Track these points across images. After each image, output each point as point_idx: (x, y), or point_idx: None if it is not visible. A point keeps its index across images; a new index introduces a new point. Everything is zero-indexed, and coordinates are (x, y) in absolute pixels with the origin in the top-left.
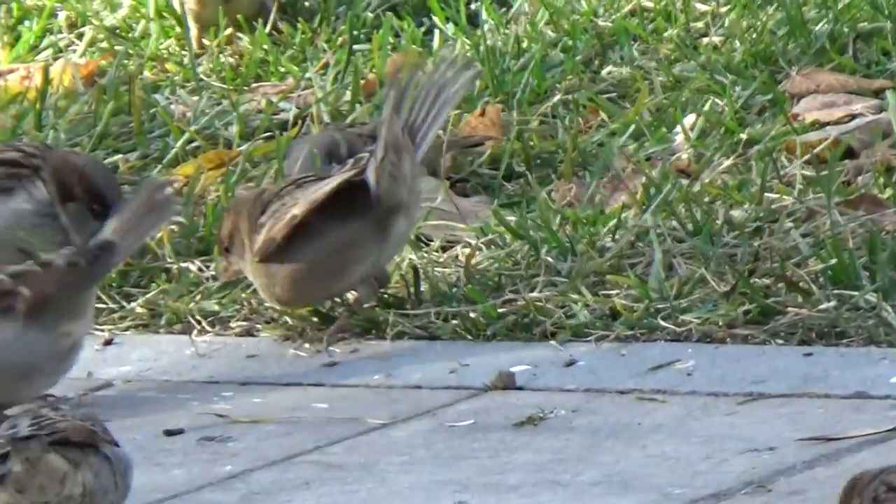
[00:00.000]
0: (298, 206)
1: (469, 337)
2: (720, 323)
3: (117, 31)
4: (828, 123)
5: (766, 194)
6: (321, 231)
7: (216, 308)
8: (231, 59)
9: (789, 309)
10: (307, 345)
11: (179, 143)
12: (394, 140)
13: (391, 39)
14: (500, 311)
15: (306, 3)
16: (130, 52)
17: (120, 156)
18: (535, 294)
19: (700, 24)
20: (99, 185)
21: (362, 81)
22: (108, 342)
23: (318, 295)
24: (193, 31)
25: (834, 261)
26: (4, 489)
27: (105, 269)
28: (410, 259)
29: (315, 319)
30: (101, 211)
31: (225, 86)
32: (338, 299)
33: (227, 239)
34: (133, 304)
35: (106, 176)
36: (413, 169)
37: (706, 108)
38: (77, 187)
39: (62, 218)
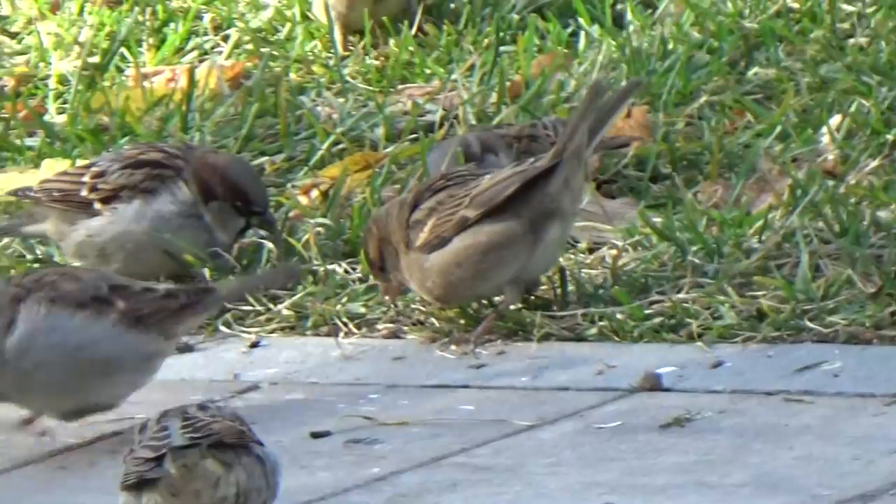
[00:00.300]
0: (471, 208)
1: (616, 338)
2: (867, 324)
3: (262, 33)
4: None
5: None
6: (476, 228)
7: (363, 310)
8: (376, 62)
9: None
10: (454, 347)
11: (325, 145)
12: (577, 149)
13: (536, 41)
14: (646, 312)
15: (452, 5)
16: (276, 54)
17: (265, 158)
18: (681, 295)
19: (846, 25)
20: (240, 183)
21: (508, 83)
22: (255, 344)
23: (468, 293)
24: (338, 34)
25: None
26: (158, 492)
27: (200, 311)
28: (557, 261)
29: (462, 321)
30: (245, 208)
31: (370, 88)
32: (485, 301)
33: (377, 259)
34: (280, 307)
35: (247, 173)
36: (582, 180)
37: (852, 109)
38: (218, 186)
39: (206, 217)
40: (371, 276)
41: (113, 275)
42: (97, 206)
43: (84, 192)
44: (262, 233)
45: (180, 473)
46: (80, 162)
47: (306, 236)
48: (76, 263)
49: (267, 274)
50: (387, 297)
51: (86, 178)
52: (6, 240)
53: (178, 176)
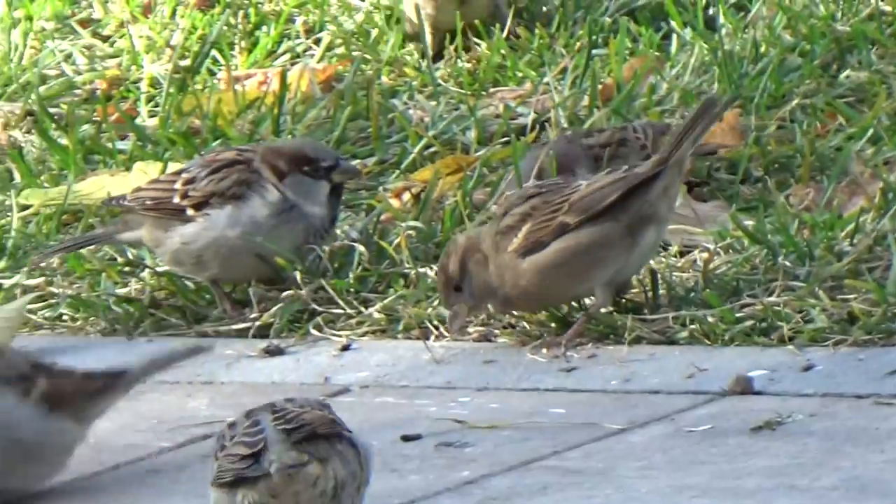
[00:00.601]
0: (571, 214)
1: (706, 341)
2: None
3: (355, 35)
4: None
5: None
6: (574, 230)
7: None
8: (468, 65)
9: None
10: (545, 350)
11: (417, 148)
12: (680, 159)
13: (628, 44)
14: (737, 315)
15: (544, 8)
16: (368, 57)
17: (357, 161)
18: (772, 298)
19: None
20: (296, 148)
21: (600, 86)
22: (346, 348)
23: (562, 294)
24: (429, 36)
25: None
26: (256, 491)
27: (114, 394)
28: (648, 264)
29: (553, 325)
30: (314, 169)
31: (462, 91)
32: (575, 304)
33: (457, 272)
34: (370, 310)
35: (303, 140)
36: (679, 187)
37: None
38: (280, 161)
39: (290, 197)
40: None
41: (35, 353)
42: (190, 212)
43: (176, 199)
44: (354, 235)
45: (281, 477)
46: (170, 167)
47: (398, 239)
48: (172, 269)
49: (175, 351)
50: (455, 324)
51: (178, 185)
52: (105, 247)
53: (254, 172)
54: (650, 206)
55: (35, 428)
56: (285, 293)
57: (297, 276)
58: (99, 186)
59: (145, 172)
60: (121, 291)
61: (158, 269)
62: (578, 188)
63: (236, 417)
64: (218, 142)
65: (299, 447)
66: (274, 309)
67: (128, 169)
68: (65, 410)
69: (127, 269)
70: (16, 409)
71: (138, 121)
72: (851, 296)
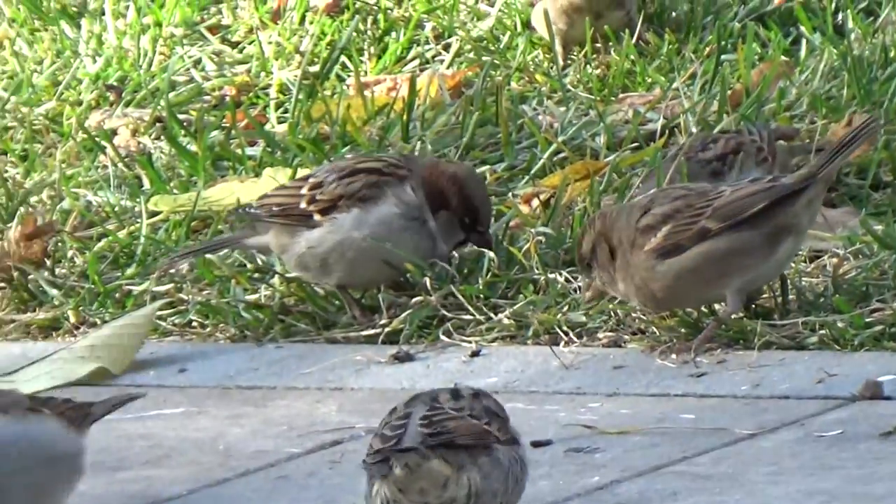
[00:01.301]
0: (713, 220)
1: (836, 346)
2: None
3: (484, 42)
4: None
5: None
6: (715, 236)
7: (583, 319)
8: (598, 70)
9: None
10: (674, 356)
11: (546, 154)
12: (829, 175)
13: (757, 49)
14: (867, 320)
15: (673, 14)
16: (497, 62)
17: (487, 167)
18: None
19: None
20: (475, 199)
21: (729, 91)
22: (475, 353)
23: (693, 298)
24: (559, 46)
25: None
26: (387, 485)
27: (84, 425)
28: None
29: (682, 330)
30: (471, 224)
31: (592, 96)
32: (704, 309)
33: (588, 254)
34: (500, 316)
35: (482, 189)
36: (821, 200)
37: None
38: (454, 198)
39: (430, 224)
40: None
41: (23, 396)
42: (316, 217)
43: (303, 205)
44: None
45: (403, 473)
46: (299, 173)
47: (527, 245)
48: (299, 274)
49: (113, 398)
50: (587, 295)
51: (304, 191)
52: (234, 252)
53: (403, 181)
54: (793, 217)
55: (76, 445)
56: (415, 300)
57: (427, 281)
58: (228, 193)
59: (275, 179)
60: (250, 298)
61: (288, 275)
62: (722, 194)
63: (398, 403)
64: (347, 148)
65: (419, 453)
66: (403, 315)
67: (257, 175)
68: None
69: (256, 275)
70: (59, 429)
71: (267, 127)
72: None
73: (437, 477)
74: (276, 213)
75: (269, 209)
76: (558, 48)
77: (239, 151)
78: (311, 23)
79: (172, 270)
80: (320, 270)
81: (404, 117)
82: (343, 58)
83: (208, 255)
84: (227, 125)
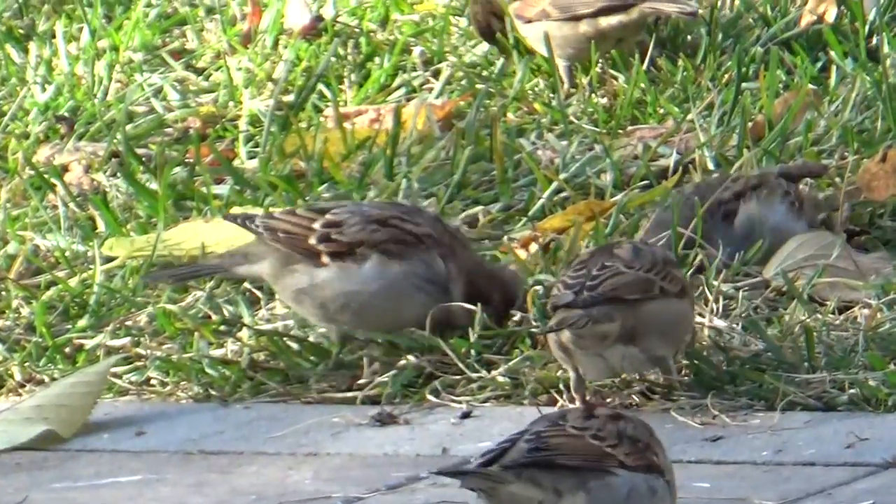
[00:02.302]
0: None
1: (868, 407)
2: None
3: (477, 68)
4: None
5: None
6: None
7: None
8: (604, 100)
9: None
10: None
11: (547, 192)
12: None
13: (782, 76)
14: None
15: (688, 38)
16: (492, 91)
17: (480, 207)
18: None
19: None
20: (517, 298)
21: (750, 123)
22: (466, 415)
23: None
24: (565, 77)
25: None
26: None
27: None
28: (803, 321)
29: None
30: (501, 315)
31: (597, 129)
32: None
33: None
34: (494, 373)
35: (521, 288)
36: None
37: None
38: (497, 295)
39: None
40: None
41: None
42: (325, 259)
43: (312, 241)
44: None
45: (482, 496)
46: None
47: (527, 296)
48: (292, 307)
49: None
50: None
51: (317, 226)
52: (198, 302)
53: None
54: None
55: None
56: (401, 363)
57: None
58: (191, 235)
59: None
60: (216, 353)
61: (259, 327)
62: None
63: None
64: (324, 186)
65: (501, 478)
66: (386, 375)
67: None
68: None
69: (223, 327)
70: None
71: (236, 163)
72: None
73: (522, 501)
74: (281, 238)
75: (274, 233)
76: (563, 73)
77: (204, 190)
78: (286, 47)
79: (150, 289)
80: (318, 312)
81: (388, 152)
82: (321, 86)
83: (169, 307)
84: (191, 161)
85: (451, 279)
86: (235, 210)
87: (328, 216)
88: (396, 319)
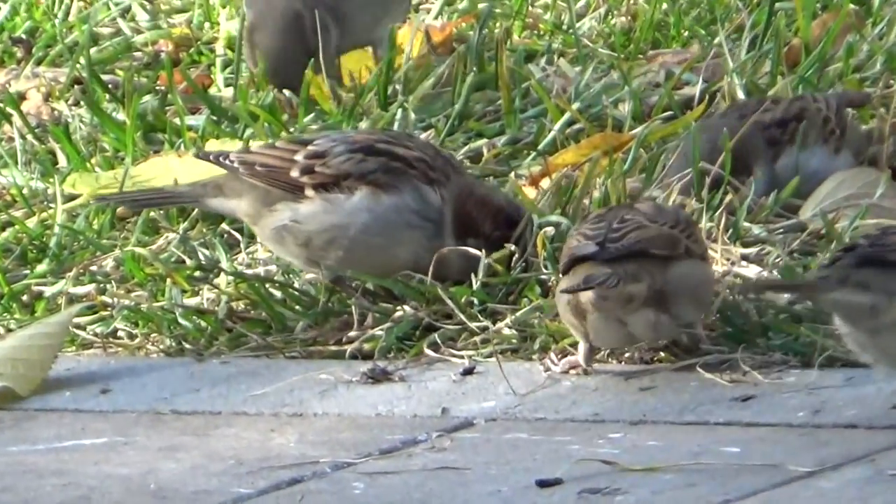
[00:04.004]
0: None
1: None
2: None
3: None
4: None
5: None
6: None
7: None
8: (623, 20)
9: None
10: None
11: (558, 125)
12: None
13: None
14: None
15: None
16: (497, 10)
17: (483, 140)
18: None
19: None
20: (513, 228)
21: (785, 48)
22: (469, 371)
23: None
24: None
25: None
26: None
27: None
28: None
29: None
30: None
31: (614, 54)
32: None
33: None
34: (500, 325)
35: (519, 217)
36: None
37: None
38: (488, 224)
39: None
40: None
41: None
42: (309, 192)
43: (295, 173)
44: None
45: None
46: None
47: (536, 238)
48: (272, 249)
49: None
50: None
51: (299, 157)
52: (171, 245)
53: (432, 185)
54: None
55: None
56: (397, 314)
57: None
58: (162, 171)
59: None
60: (190, 302)
61: (239, 271)
62: None
63: None
64: (310, 117)
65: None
66: (380, 327)
67: (199, 149)
68: None
69: (198, 274)
70: None
71: (212, 91)
72: None
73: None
74: (259, 173)
75: (252, 167)
76: None
77: (177, 121)
78: None
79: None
80: (301, 251)
81: (381, 79)
82: None
83: (138, 250)
84: (163, 88)
85: (445, 210)
86: (212, 144)
87: (311, 147)
88: (389, 259)
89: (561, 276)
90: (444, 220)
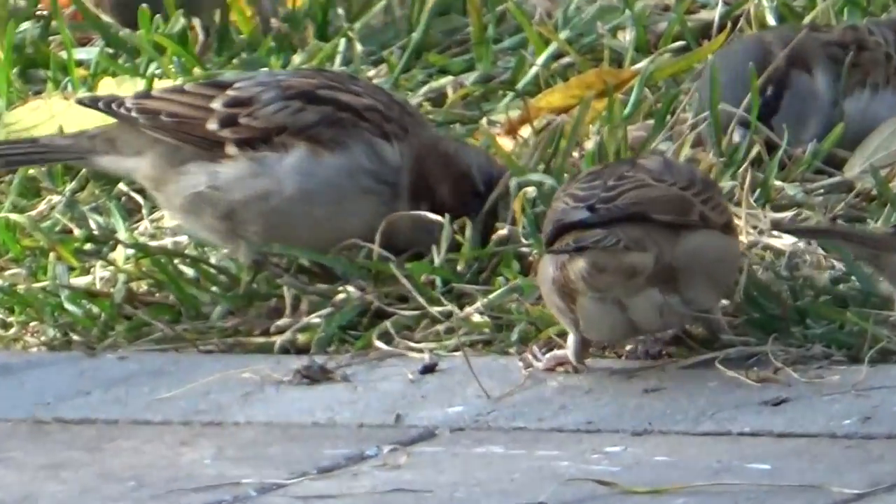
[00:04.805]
0: None
1: None
2: None
3: None
4: None
5: None
6: None
7: None
8: None
9: None
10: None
11: (541, 58)
12: None
13: None
14: None
15: None
16: None
17: (448, 78)
18: None
19: None
20: (473, 191)
21: None
22: (429, 368)
23: None
24: None
25: None
26: None
27: None
28: None
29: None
30: (451, 217)
31: None
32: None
33: None
34: (469, 310)
35: (484, 178)
36: None
37: None
38: (445, 186)
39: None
40: None
41: None
42: (230, 149)
43: (212, 126)
44: None
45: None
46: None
47: (514, 202)
48: (181, 221)
49: None
50: None
51: (217, 105)
52: (54, 211)
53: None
54: None
55: None
56: (338, 297)
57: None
58: (45, 117)
59: (118, 94)
60: (79, 281)
61: (140, 243)
62: None
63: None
64: (230, 54)
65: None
66: (318, 314)
67: (91, 90)
68: None
69: (89, 246)
70: None
71: (106, 17)
72: None
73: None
74: (165, 124)
75: (155, 117)
76: None
77: (63, 55)
78: None
79: None
80: (221, 224)
81: (322, 2)
82: None
83: (14, 217)
84: (45, 13)
85: (403, 171)
86: (106, 84)
87: (231, 91)
88: (335, 234)
89: (545, 248)
90: (402, 182)
